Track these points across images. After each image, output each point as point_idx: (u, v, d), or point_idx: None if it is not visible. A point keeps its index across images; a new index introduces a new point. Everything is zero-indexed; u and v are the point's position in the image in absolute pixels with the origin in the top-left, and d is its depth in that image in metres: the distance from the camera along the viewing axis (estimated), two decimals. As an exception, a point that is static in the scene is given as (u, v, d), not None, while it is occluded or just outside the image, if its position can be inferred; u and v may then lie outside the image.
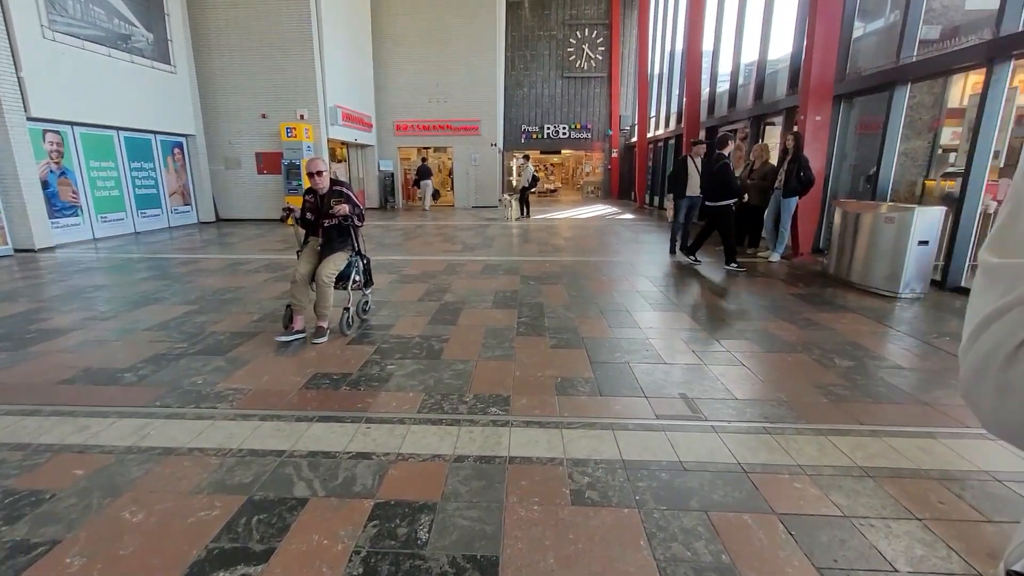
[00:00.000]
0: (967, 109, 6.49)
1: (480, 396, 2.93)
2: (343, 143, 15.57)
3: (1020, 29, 4.83)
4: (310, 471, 2.15)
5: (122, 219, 10.43)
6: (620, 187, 22.55)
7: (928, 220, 5.05)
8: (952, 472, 2.15)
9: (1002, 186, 5.21)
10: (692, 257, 7.14)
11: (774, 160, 7.67)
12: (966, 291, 5.33)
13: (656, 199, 17.90)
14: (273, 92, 12.67)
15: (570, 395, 2.95)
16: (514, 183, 14.03)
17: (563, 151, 25.80)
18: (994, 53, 4.92)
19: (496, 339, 3.97)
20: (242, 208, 13.26)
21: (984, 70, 5.04)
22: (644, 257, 7.74)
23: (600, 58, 21.92)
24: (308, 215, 4.23)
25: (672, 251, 8.04)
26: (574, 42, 21.87)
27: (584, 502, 1.94)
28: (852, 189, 7.77)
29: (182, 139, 12.16)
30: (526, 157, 14.17)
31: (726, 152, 6.64)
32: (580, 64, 22.05)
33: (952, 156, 6.89)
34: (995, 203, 5.55)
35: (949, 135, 6.95)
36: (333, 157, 16.32)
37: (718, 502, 1.94)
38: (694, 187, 7.45)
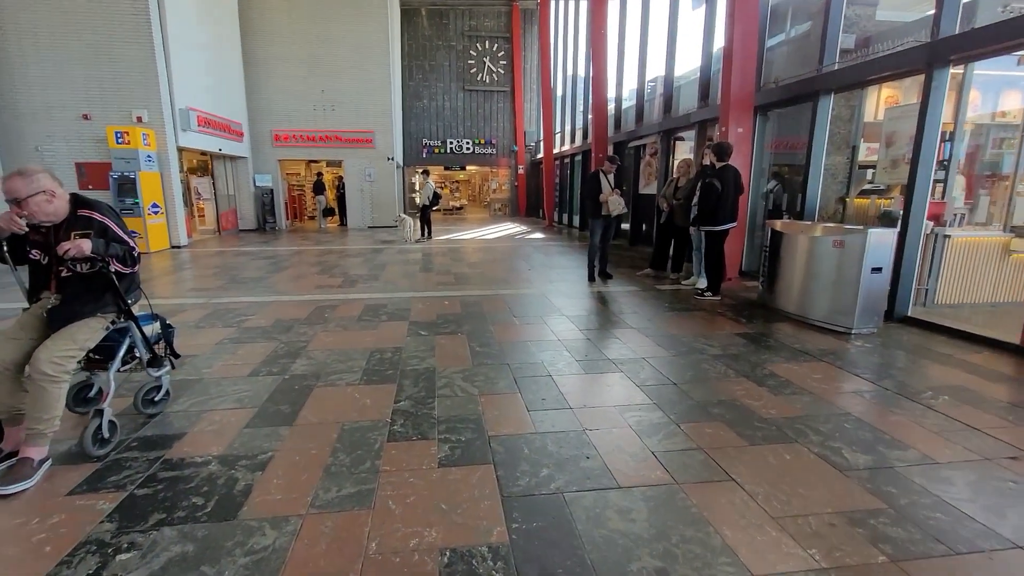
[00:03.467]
0: (884, 123, 6.16)
1: (277, 648, 1.43)
2: (204, 153, 13.06)
3: (957, 32, 4.37)
4: None
5: None
6: (528, 204, 21.83)
7: (881, 244, 4.38)
8: None
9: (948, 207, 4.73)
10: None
11: None
12: (915, 322, 4.76)
13: (565, 217, 17.28)
14: (99, 88, 10.08)
15: (465, 609, 1.55)
16: (417, 201, 12.50)
17: (468, 167, 24.68)
18: (933, 58, 4.41)
19: (352, 454, 2.47)
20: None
21: (923, 76, 4.53)
22: (561, 287, 6.61)
23: (502, 72, 21.17)
24: (34, 254, 2.48)
25: (591, 278, 7.04)
26: (475, 54, 20.93)
27: None
28: (765, 206, 7.30)
29: (-42, 144, 9.17)
30: (425, 172, 12.72)
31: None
32: (482, 77, 21.13)
33: (869, 173, 6.59)
34: (930, 224, 5.10)
35: (865, 150, 6.67)
36: (201, 170, 13.75)
37: None
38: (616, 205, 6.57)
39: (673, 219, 6.81)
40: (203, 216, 13.54)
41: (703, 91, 8.31)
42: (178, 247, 10.67)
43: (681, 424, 2.79)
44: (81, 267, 2.41)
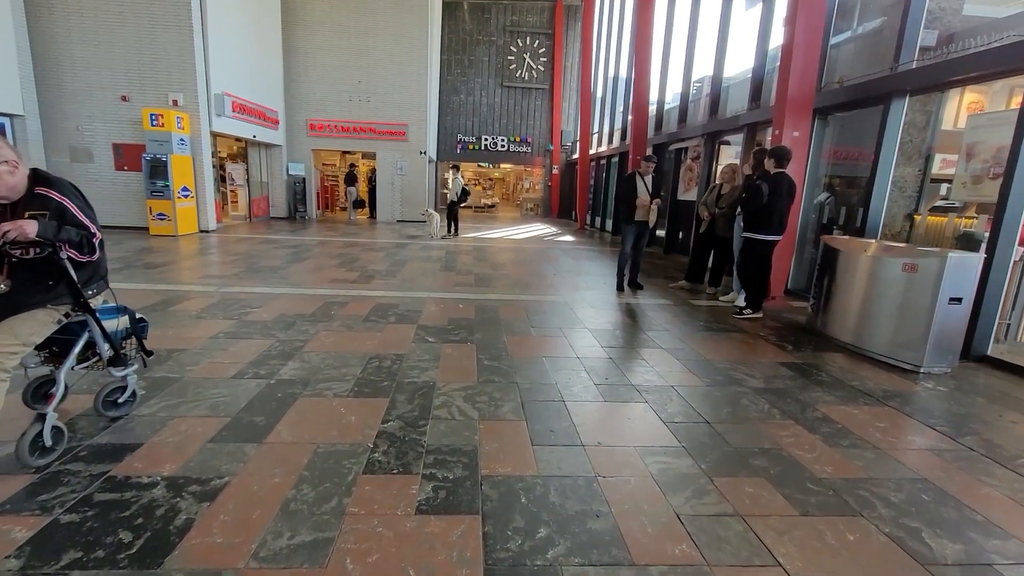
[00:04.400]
0: (966, 132, 5.44)
1: None
2: (238, 139, 13.12)
3: (1073, 25, 3.69)
4: None
5: None
6: (561, 205, 21.31)
7: (964, 270, 3.75)
8: None
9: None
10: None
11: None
12: (996, 363, 4.09)
13: (598, 220, 16.71)
14: (138, 70, 10.16)
15: None
16: (449, 196, 12.25)
17: (503, 165, 24.34)
18: (1041, 55, 3.75)
19: (318, 486, 2.10)
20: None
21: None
22: (587, 295, 6.15)
23: (542, 69, 20.70)
24: None
25: (620, 288, 6.54)
26: (515, 50, 20.54)
27: None
28: (818, 219, 6.62)
29: (3, 120, 9.36)
30: (455, 168, 12.42)
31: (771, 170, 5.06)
32: (521, 74, 20.72)
33: (943, 187, 5.86)
34: (1021, 250, 4.40)
35: (939, 162, 5.93)
36: (241, 157, 13.86)
37: None
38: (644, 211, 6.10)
39: (714, 229, 6.25)
40: (236, 202, 13.62)
41: (755, 92, 7.67)
42: (206, 231, 10.69)
43: (715, 478, 2.31)
44: (30, 251, 2.12)
